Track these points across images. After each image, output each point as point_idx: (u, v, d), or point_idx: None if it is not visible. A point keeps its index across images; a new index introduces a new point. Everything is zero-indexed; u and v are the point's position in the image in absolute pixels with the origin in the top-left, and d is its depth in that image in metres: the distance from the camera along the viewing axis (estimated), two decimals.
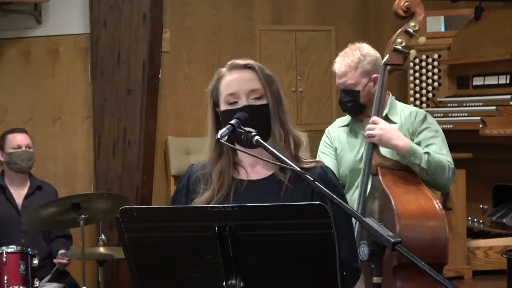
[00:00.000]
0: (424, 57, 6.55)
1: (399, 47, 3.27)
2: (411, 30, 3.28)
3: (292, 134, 2.25)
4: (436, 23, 6.87)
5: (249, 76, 2.23)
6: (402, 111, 3.39)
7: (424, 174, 3.18)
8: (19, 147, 4.71)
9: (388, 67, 3.29)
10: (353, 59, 3.31)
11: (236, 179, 2.26)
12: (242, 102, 2.20)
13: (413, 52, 3.30)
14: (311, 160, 2.27)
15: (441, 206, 3.05)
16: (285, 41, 6.45)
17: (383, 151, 3.27)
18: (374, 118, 3.23)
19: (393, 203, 2.99)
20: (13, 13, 5.63)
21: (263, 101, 2.22)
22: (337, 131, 3.50)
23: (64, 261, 4.49)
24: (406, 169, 3.20)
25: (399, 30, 3.31)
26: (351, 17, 6.61)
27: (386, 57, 3.29)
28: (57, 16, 5.72)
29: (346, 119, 3.49)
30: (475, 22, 6.45)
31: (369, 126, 3.22)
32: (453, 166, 3.25)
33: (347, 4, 6.64)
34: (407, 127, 3.33)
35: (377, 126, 3.19)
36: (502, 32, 6.15)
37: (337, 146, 3.46)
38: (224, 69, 2.27)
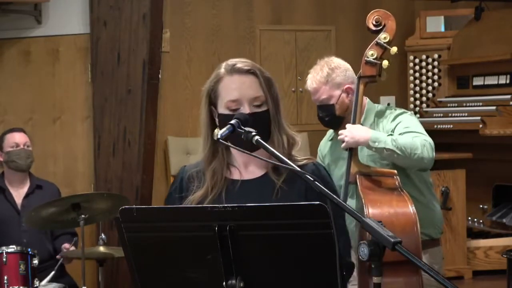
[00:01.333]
0: (424, 57, 6.55)
1: (370, 59, 3.33)
2: (382, 42, 3.34)
3: (287, 135, 2.26)
4: (436, 23, 6.87)
5: (251, 82, 2.21)
6: (378, 115, 3.42)
7: (394, 155, 3.18)
8: (17, 145, 4.71)
9: (363, 80, 3.33)
10: (322, 75, 3.38)
11: (230, 179, 2.27)
12: (245, 109, 2.19)
13: (385, 63, 3.34)
14: (303, 158, 2.28)
15: (414, 209, 3.04)
16: (285, 41, 6.45)
17: (363, 159, 3.31)
18: (347, 126, 3.27)
19: (364, 205, 3.02)
20: (13, 13, 5.63)
21: (264, 108, 2.21)
22: (326, 146, 3.57)
23: (69, 247, 4.47)
24: (384, 175, 3.21)
25: (371, 43, 3.36)
26: (351, 17, 6.61)
27: (360, 70, 3.34)
28: (57, 16, 5.72)
29: (332, 131, 3.54)
30: (475, 22, 6.45)
31: (340, 132, 3.28)
32: (429, 142, 3.23)
33: (347, 4, 6.65)
34: (383, 131, 3.35)
35: (344, 132, 3.25)
36: (502, 32, 6.15)
37: (327, 162, 3.52)
38: (222, 71, 2.24)
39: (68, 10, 5.72)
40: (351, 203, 3.33)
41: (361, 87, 3.31)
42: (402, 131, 3.28)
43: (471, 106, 6.17)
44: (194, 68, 6.10)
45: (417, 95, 6.58)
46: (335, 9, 6.62)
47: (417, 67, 6.57)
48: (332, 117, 3.40)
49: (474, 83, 6.29)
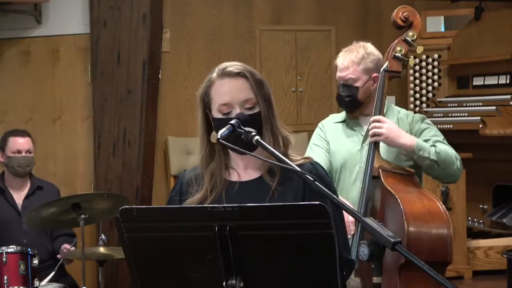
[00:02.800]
0: (424, 57, 6.55)
1: (399, 54, 3.35)
2: (409, 40, 3.37)
3: (281, 135, 2.26)
4: (436, 23, 6.87)
5: (242, 85, 2.21)
6: (398, 113, 3.44)
7: (435, 166, 3.23)
8: (19, 152, 4.69)
9: (388, 74, 3.34)
10: (357, 55, 3.36)
11: (228, 180, 2.27)
12: (236, 112, 2.20)
13: (411, 60, 3.39)
14: (300, 157, 2.29)
15: (444, 207, 3.08)
16: (285, 41, 6.45)
17: (383, 154, 3.30)
18: (380, 117, 3.26)
19: (400, 203, 3.01)
20: (13, 13, 5.63)
21: (255, 110, 2.22)
22: (332, 126, 3.52)
23: (70, 248, 4.47)
24: (405, 173, 3.22)
25: (398, 39, 3.39)
26: (351, 17, 6.61)
27: (386, 63, 3.36)
28: (57, 16, 5.72)
29: (341, 115, 3.52)
30: (475, 22, 6.45)
31: (374, 124, 3.24)
32: (459, 157, 3.31)
33: (347, 4, 6.65)
34: (404, 128, 3.35)
35: (383, 125, 3.23)
36: (502, 32, 6.15)
37: (330, 140, 3.47)
38: (214, 75, 2.25)
39: (68, 10, 5.72)
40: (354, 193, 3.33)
41: (386, 81, 3.33)
42: (434, 138, 3.31)
43: (471, 106, 6.17)
44: (194, 68, 6.10)
45: (417, 95, 6.57)
46: (335, 9, 6.62)
47: (417, 67, 6.56)
48: (353, 99, 3.37)
49: (474, 83, 6.29)
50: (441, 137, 3.36)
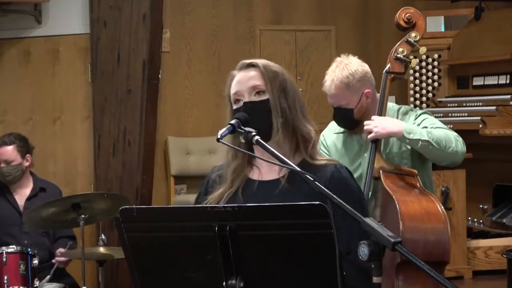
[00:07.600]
0: (424, 57, 6.55)
1: (400, 56, 3.34)
2: (412, 41, 3.36)
3: (301, 132, 2.23)
4: (436, 23, 6.87)
5: (252, 74, 2.24)
6: (398, 111, 3.41)
7: (429, 147, 3.15)
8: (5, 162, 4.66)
9: (390, 75, 3.32)
10: (342, 80, 3.28)
11: (249, 178, 2.27)
12: (245, 99, 2.22)
13: (414, 61, 3.36)
14: (323, 158, 2.27)
15: (443, 208, 3.07)
16: (285, 41, 6.45)
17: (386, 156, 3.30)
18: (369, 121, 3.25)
19: (396, 203, 3.00)
20: (13, 13, 5.64)
21: (263, 97, 2.22)
22: (332, 138, 3.49)
23: (62, 259, 4.47)
24: (407, 174, 3.21)
25: (401, 40, 3.38)
26: (351, 17, 6.61)
27: (388, 65, 3.34)
28: (57, 16, 5.73)
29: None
30: (475, 22, 6.45)
31: (366, 123, 3.23)
32: (461, 139, 3.24)
33: (347, 4, 6.65)
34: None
35: (372, 123, 3.21)
36: (502, 32, 6.15)
37: (333, 154, 3.45)
38: (234, 71, 2.30)
39: (68, 10, 5.73)
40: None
41: (388, 82, 3.31)
42: (433, 126, 3.26)
43: (471, 106, 6.17)
44: (194, 68, 6.10)
45: (417, 95, 6.57)
46: (335, 9, 6.63)
47: (417, 67, 6.56)
48: (349, 121, 3.35)
49: (474, 83, 6.29)
50: (439, 124, 3.30)
